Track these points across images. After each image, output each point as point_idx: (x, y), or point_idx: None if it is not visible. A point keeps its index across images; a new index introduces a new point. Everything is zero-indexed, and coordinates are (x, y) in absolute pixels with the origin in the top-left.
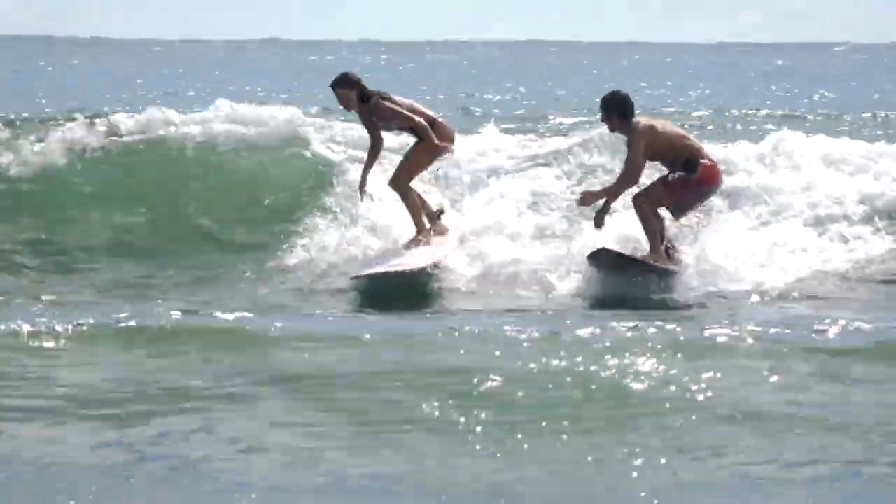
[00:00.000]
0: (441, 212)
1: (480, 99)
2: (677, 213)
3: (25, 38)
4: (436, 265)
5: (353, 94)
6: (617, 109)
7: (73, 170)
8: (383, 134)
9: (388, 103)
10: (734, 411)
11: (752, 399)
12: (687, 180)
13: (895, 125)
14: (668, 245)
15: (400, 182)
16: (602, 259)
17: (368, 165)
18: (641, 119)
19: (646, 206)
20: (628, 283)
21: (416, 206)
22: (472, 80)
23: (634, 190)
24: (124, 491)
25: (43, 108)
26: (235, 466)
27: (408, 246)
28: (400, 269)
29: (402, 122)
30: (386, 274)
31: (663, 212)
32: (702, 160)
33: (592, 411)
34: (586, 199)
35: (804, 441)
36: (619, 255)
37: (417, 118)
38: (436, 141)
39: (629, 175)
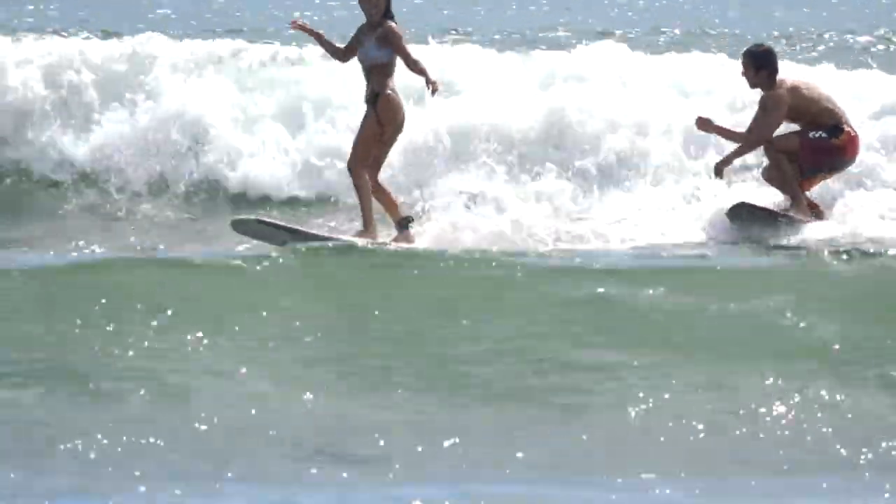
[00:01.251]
0: (409, 219)
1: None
2: (806, 176)
3: None
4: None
5: None
6: (766, 65)
7: None
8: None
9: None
10: None
11: None
12: (828, 144)
13: None
14: (810, 201)
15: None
16: (743, 213)
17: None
18: (787, 78)
19: (781, 156)
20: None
21: (367, 195)
22: None
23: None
24: None
25: None
26: None
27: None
28: (294, 227)
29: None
30: (276, 226)
31: None
32: (846, 128)
33: None
34: (720, 168)
35: None
36: (761, 209)
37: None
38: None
39: (758, 138)
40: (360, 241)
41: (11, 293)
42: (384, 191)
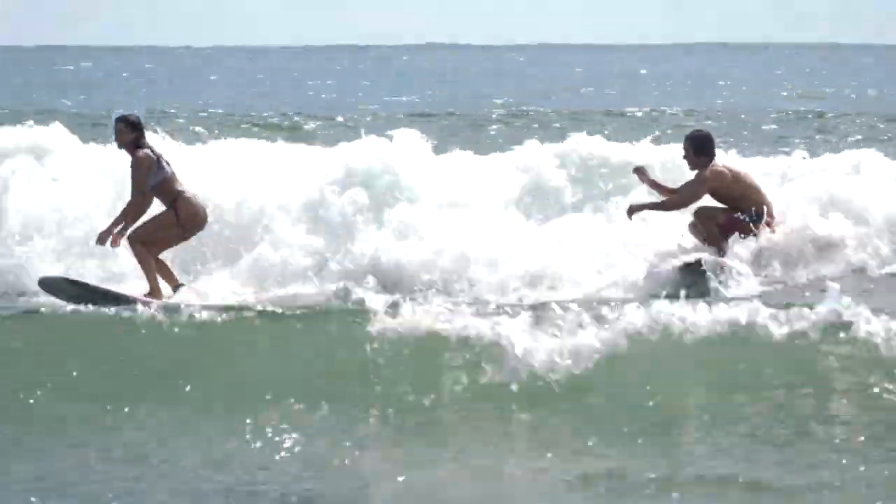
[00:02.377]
0: (180, 285)
1: None
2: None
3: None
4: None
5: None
6: (701, 149)
7: None
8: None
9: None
10: None
11: None
12: (747, 226)
13: None
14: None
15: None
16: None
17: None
18: (718, 163)
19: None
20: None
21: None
22: None
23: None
24: None
25: None
26: None
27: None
28: (112, 290)
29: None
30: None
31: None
32: (767, 218)
33: None
34: (633, 210)
35: None
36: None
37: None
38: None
39: (681, 202)
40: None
41: None
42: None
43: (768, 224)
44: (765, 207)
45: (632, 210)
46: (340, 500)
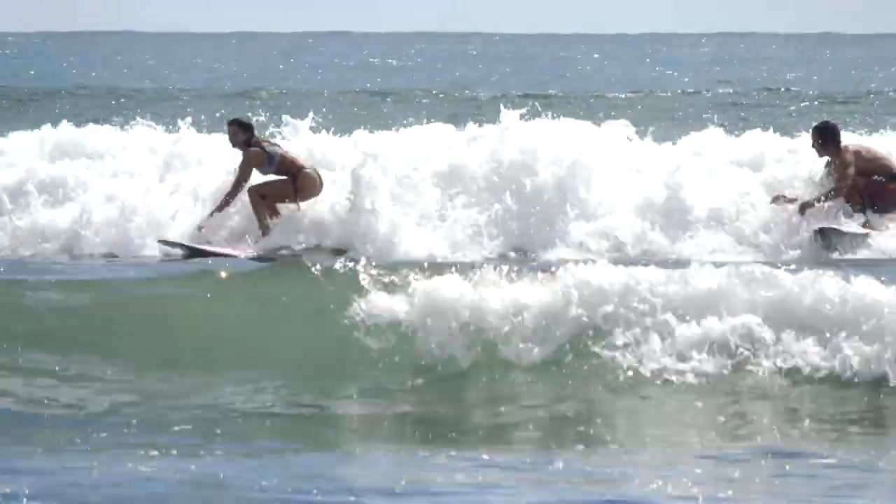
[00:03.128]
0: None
1: None
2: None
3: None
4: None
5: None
6: (830, 138)
7: None
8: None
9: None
10: None
11: None
12: (883, 184)
13: None
14: None
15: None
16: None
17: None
18: (850, 144)
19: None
20: None
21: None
22: None
23: None
24: None
25: None
26: None
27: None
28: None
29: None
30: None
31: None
32: None
33: None
34: (806, 207)
35: None
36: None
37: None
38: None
39: (843, 184)
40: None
41: None
42: None
43: None
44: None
45: (804, 207)
46: None
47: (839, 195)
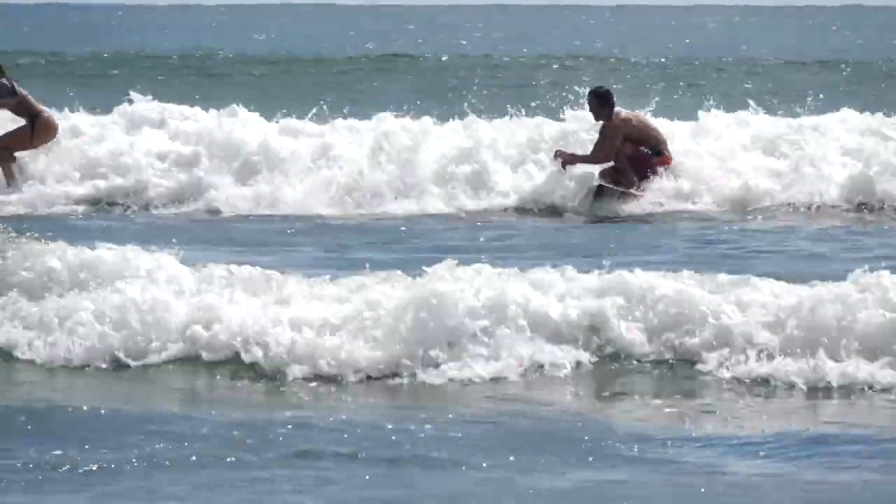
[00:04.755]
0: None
1: None
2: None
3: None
4: None
5: None
6: (605, 102)
7: None
8: None
9: None
10: None
11: None
12: (649, 157)
13: None
14: None
15: None
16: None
17: None
18: (621, 111)
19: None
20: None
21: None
22: None
23: None
24: None
25: None
26: None
27: None
28: None
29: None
30: None
31: None
32: (665, 152)
33: None
34: (563, 159)
35: None
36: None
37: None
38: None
39: (601, 158)
40: None
41: None
42: None
43: (665, 161)
44: (663, 144)
45: (559, 156)
46: None
47: (600, 158)
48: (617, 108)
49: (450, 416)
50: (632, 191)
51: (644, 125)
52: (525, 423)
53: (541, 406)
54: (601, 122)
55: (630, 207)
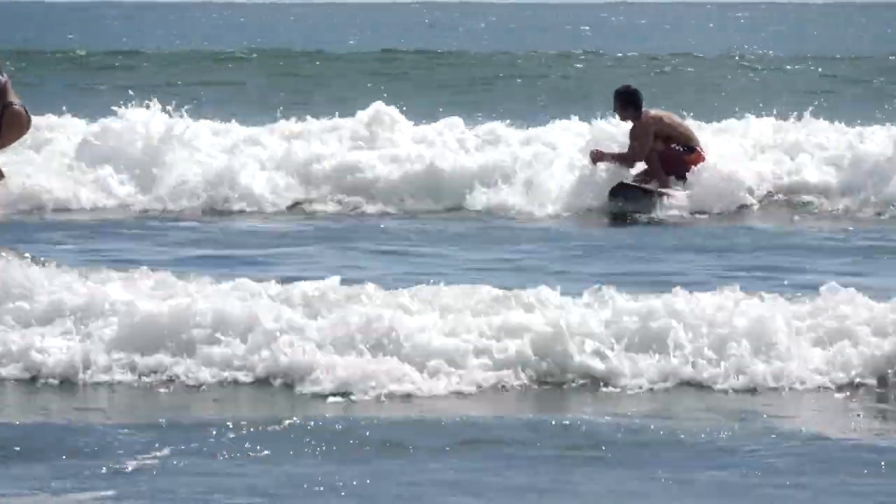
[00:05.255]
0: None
1: None
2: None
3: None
4: None
5: None
6: (631, 102)
7: None
8: None
9: None
10: None
11: None
12: (681, 154)
13: None
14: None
15: None
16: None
17: None
18: (650, 111)
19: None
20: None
21: None
22: None
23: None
24: None
25: None
26: None
27: None
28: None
29: None
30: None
31: None
32: (698, 149)
33: None
34: (597, 158)
35: None
36: (636, 187)
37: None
38: None
39: (640, 151)
40: None
41: None
42: None
43: (698, 158)
44: (695, 141)
45: (594, 156)
46: None
47: (632, 157)
48: (645, 108)
49: None
50: (653, 188)
51: (674, 122)
52: None
53: None
54: (631, 123)
55: (647, 209)
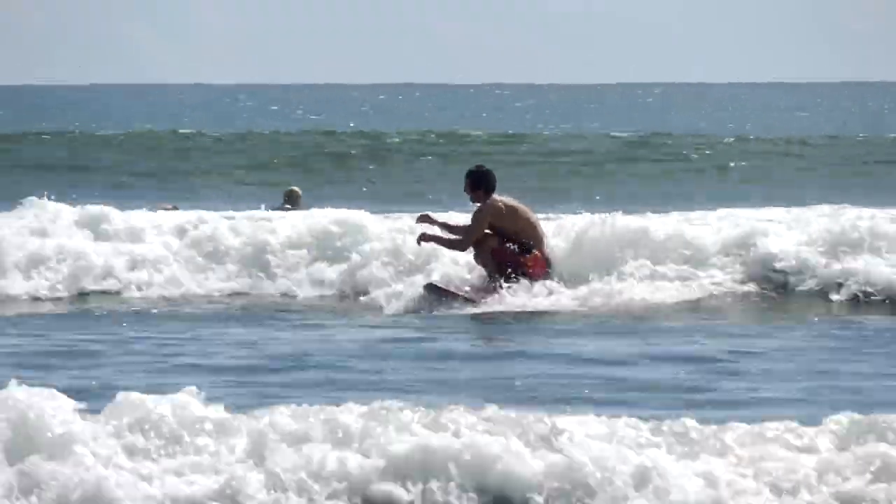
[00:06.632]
0: None
1: None
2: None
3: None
4: None
5: None
6: (478, 183)
7: None
8: None
9: None
10: None
11: None
12: (516, 257)
13: None
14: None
15: None
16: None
17: None
18: (497, 198)
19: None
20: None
21: None
22: None
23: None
24: None
25: None
26: None
27: None
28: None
29: None
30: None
31: None
32: (535, 251)
33: None
34: (425, 239)
35: None
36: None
37: None
38: None
39: (467, 239)
40: None
41: None
42: None
43: (535, 261)
44: (534, 242)
45: (422, 238)
46: None
47: (459, 243)
48: (496, 195)
49: None
50: (464, 294)
51: (515, 215)
52: None
53: None
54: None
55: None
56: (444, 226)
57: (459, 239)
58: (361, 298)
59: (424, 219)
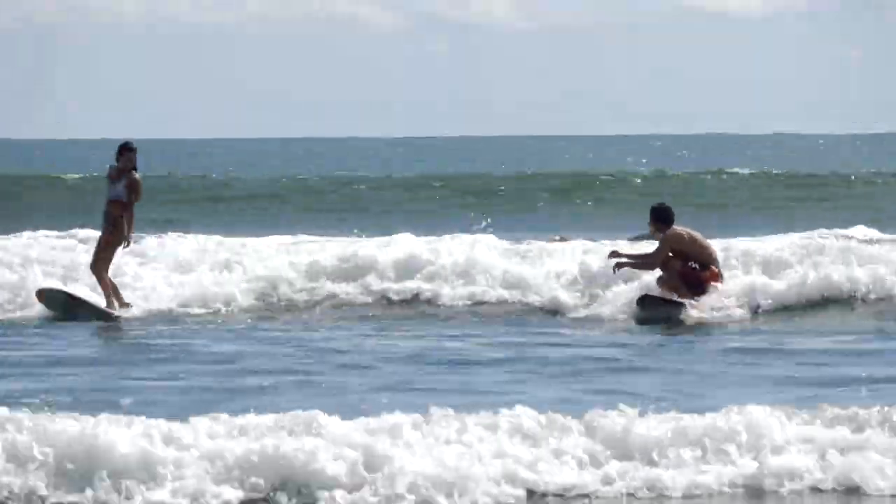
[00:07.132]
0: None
1: None
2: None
3: None
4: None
5: None
6: (659, 218)
7: None
8: None
9: None
10: None
11: None
12: (695, 271)
13: None
14: None
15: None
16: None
17: None
18: (677, 228)
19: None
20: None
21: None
22: None
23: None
24: None
25: None
26: None
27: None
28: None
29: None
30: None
31: None
32: (713, 267)
33: None
34: (618, 262)
35: None
36: (661, 299)
37: None
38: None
39: (653, 260)
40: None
41: None
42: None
43: (713, 275)
44: (712, 260)
45: (613, 255)
46: None
47: (647, 264)
48: (675, 226)
49: None
50: (677, 299)
51: (695, 241)
52: None
53: None
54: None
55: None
56: (629, 256)
57: (649, 254)
58: None
59: (614, 254)
